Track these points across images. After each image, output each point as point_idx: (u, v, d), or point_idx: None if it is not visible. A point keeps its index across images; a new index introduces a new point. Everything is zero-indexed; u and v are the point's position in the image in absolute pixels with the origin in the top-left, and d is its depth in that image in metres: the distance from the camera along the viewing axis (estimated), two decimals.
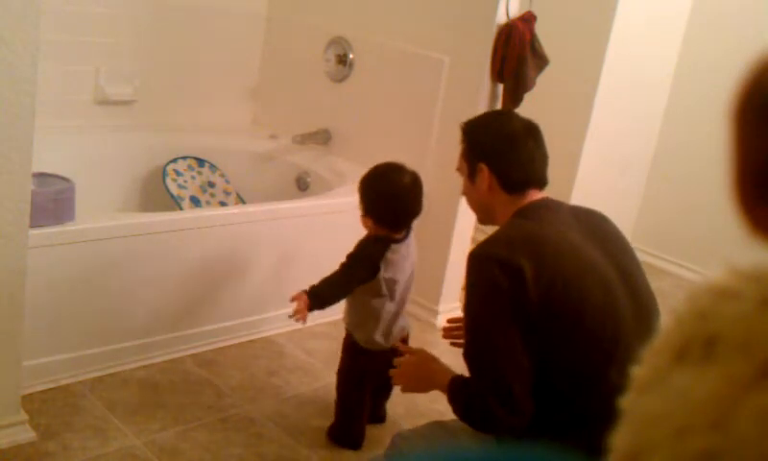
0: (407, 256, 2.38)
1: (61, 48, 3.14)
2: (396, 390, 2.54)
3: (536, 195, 1.78)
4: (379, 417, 2.59)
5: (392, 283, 2.35)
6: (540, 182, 1.80)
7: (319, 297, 2.31)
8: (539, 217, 1.73)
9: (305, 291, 2.31)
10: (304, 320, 2.31)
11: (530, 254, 1.61)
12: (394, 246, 2.33)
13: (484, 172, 1.78)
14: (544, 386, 1.63)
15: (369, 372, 2.43)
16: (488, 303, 1.62)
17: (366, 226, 2.36)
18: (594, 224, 1.79)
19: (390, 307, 2.38)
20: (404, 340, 2.49)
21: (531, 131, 1.80)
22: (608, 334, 1.62)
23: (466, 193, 1.89)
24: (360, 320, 2.40)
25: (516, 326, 1.59)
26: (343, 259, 2.37)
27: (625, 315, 1.65)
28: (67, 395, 2.41)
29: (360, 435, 2.46)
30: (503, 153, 1.78)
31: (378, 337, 2.39)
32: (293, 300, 2.30)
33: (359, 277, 2.33)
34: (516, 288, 1.58)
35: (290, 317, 2.30)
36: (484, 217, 1.88)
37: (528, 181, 1.78)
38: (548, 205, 1.77)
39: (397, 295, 2.38)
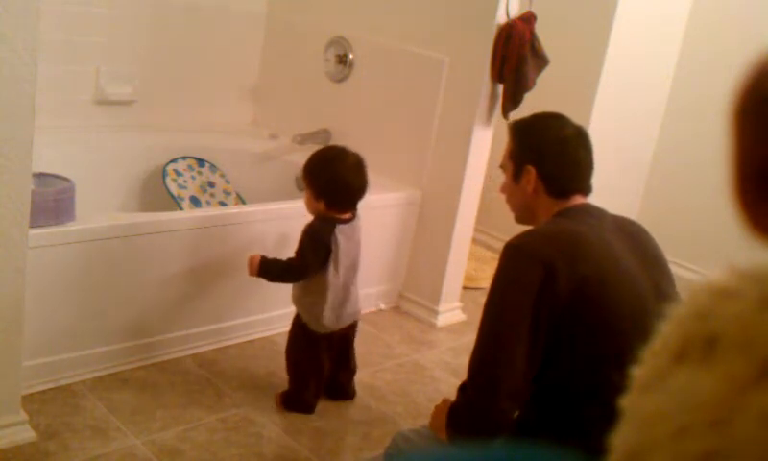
0: (351, 238, 2.47)
1: (61, 48, 3.14)
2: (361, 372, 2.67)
3: (579, 200, 1.78)
4: (346, 392, 2.65)
5: (336, 264, 2.42)
6: (586, 190, 1.81)
7: (268, 273, 2.47)
8: (579, 219, 1.73)
9: (263, 257, 2.46)
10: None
11: (566, 251, 1.61)
12: (339, 226, 2.42)
13: (531, 174, 1.77)
14: (549, 385, 1.62)
15: (317, 348, 2.50)
16: (509, 293, 1.61)
17: (314, 208, 2.45)
18: (637, 236, 1.78)
19: (336, 290, 2.43)
20: (354, 325, 2.58)
21: (581, 137, 1.81)
22: (632, 345, 1.60)
23: (506, 191, 1.87)
24: (307, 302, 2.47)
25: (530, 325, 1.57)
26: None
27: (651, 332, 1.63)
28: (67, 395, 2.40)
29: (312, 401, 2.53)
30: (554, 158, 1.78)
31: (326, 321, 2.45)
32: (250, 258, 2.48)
33: (314, 268, 2.42)
34: (545, 284, 1.57)
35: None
36: (523, 217, 1.86)
37: (574, 188, 1.78)
38: (590, 209, 1.77)
39: (341, 277, 2.44)
